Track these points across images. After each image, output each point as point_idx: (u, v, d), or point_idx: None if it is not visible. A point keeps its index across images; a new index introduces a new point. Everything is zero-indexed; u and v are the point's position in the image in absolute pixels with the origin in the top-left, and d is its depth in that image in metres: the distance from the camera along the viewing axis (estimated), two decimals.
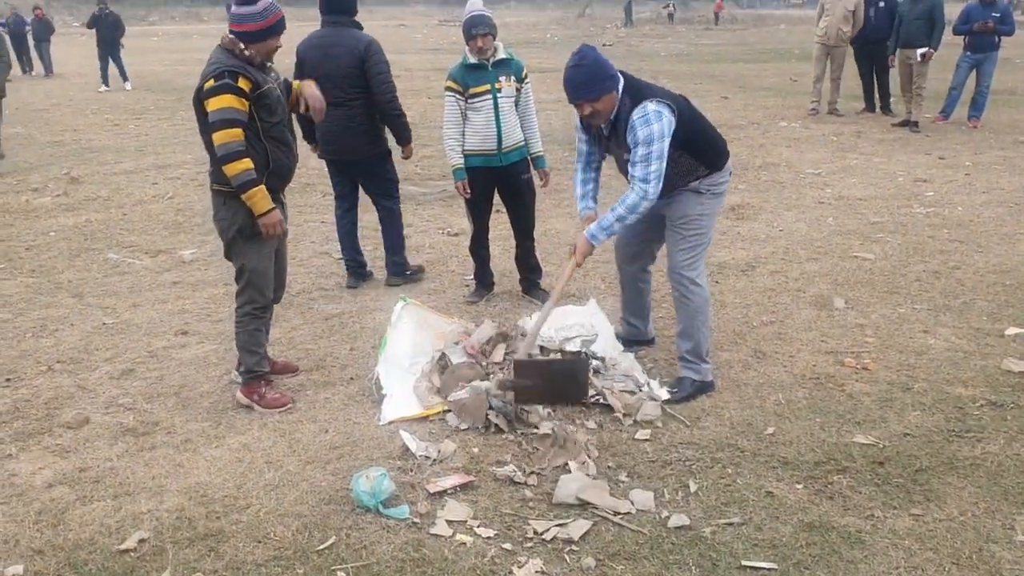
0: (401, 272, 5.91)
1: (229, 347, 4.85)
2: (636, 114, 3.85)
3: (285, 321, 5.19)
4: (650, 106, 3.83)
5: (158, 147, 11.13)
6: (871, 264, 6.10)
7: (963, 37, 11.48)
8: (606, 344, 4.48)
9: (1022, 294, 5.48)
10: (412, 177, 9.24)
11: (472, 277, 5.71)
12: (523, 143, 5.32)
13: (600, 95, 3.88)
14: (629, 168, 3.95)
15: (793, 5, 70.65)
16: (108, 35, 18.29)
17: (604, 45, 30.43)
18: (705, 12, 57.13)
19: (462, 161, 5.20)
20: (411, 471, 3.55)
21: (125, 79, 18.41)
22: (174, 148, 10.99)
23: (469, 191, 5.26)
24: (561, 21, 50.30)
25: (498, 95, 5.13)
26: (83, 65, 22.59)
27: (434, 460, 3.61)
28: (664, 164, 3.87)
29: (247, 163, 3.80)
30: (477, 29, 5.02)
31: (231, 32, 3.88)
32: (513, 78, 5.20)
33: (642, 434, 3.79)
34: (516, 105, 5.26)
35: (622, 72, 3.99)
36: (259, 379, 4.19)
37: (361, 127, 5.47)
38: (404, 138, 5.65)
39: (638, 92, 3.92)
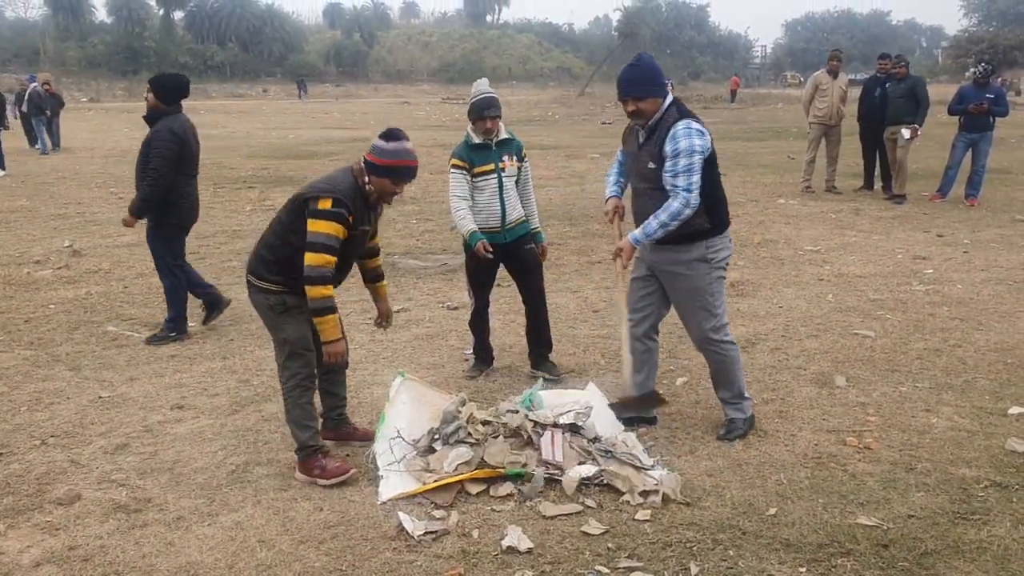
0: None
1: (225, 422, 4.82)
2: (681, 124, 4.12)
3: None
4: (695, 124, 4.14)
5: None
6: (871, 342, 6.09)
7: (958, 117, 11.73)
8: (606, 423, 4.44)
9: None
10: (413, 251, 9.31)
11: (471, 351, 5.69)
12: (524, 219, 5.39)
13: (646, 96, 4.18)
14: (670, 179, 4.12)
15: (790, 85, 72.18)
16: None
17: (603, 123, 30.95)
18: (703, 91, 58.25)
19: (475, 226, 5.19)
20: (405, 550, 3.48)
21: None
22: None
23: (490, 249, 5.17)
24: (562, 100, 51.17)
25: (502, 174, 5.22)
26: (91, 139, 22.95)
27: (432, 538, 3.54)
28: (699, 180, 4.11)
29: (330, 290, 3.92)
30: (488, 111, 5.11)
31: (364, 159, 4.00)
32: (515, 157, 5.30)
33: (642, 514, 3.72)
34: (516, 183, 5.34)
35: (675, 97, 4.31)
36: (316, 453, 4.13)
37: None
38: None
39: (687, 112, 4.24)
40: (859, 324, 6.51)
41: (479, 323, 5.56)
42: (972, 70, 12.47)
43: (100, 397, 5.22)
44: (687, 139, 4.07)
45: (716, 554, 3.44)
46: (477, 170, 5.19)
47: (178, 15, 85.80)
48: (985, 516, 3.70)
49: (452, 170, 5.24)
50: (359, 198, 3.98)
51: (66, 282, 8.07)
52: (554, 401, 4.55)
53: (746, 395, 4.57)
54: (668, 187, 4.14)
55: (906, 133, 11.67)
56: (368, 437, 4.44)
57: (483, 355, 5.62)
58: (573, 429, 4.24)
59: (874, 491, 3.93)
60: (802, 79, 62.43)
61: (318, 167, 17.12)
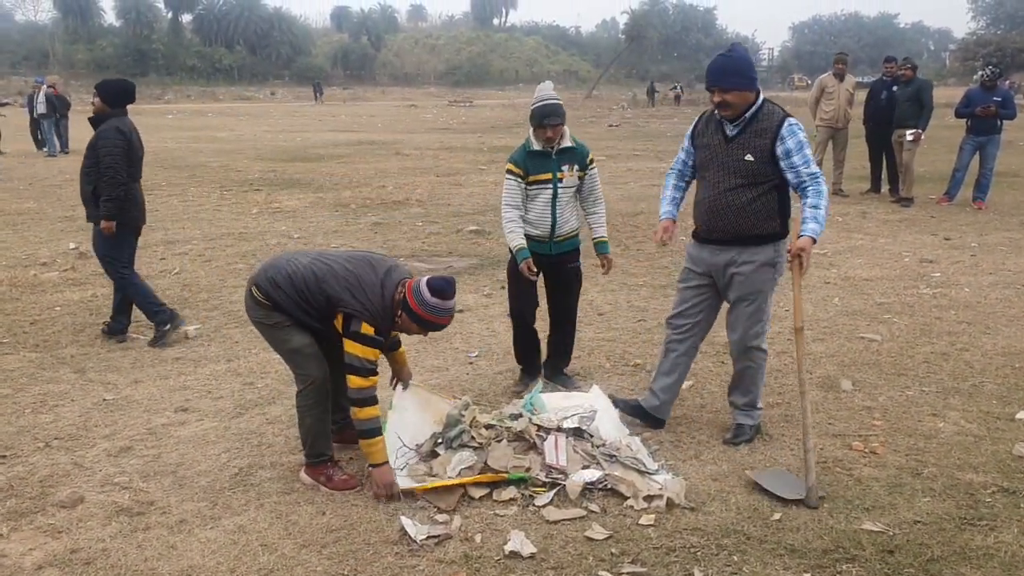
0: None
1: (228, 425, 4.81)
2: (792, 120, 4.16)
3: (287, 399, 5.14)
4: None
5: (167, 223, 11.21)
6: (878, 345, 6.05)
7: (966, 120, 11.70)
8: (610, 427, 4.42)
9: None
10: (419, 253, 9.29)
11: (477, 354, 5.66)
12: (575, 233, 5.11)
13: (734, 88, 4.11)
14: (803, 168, 4.13)
15: (797, 87, 72.04)
16: None
17: (610, 126, 30.94)
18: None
19: (524, 241, 4.95)
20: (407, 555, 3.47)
21: None
22: (183, 224, 11.08)
23: (535, 269, 4.96)
24: (569, 103, 50.98)
25: (559, 184, 4.93)
26: None
27: (434, 543, 3.53)
28: None
29: (377, 411, 3.92)
30: (550, 120, 4.82)
31: (405, 297, 3.92)
32: (576, 167, 4.99)
33: (646, 519, 3.70)
34: (578, 192, 5.07)
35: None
36: (326, 462, 4.12)
37: None
38: None
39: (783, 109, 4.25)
40: (865, 328, 6.48)
41: (528, 337, 5.30)
42: (980, 73, 12.43)
43: (104, 400, 5.21)
44: (802, 132, 4.15)
45: (720, 559, 3.42)
46: (532, 178, 4.91)
47: (186, 18, 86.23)
48: (992, 522, 3.67)
49: (507, 175, 4.98)
50: (389, 324, 3.99)
51: (72, 284, 8.08)
52: (558, 404, 4.53)
53: (759, 405, 4.57)
54: (804, 176, 4.12)
55: (909, 135, 11.66)
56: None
57: (530, 370, 5.35)
58: (577, 433, 4.22)
59: (880, 496, 3.90)
60: (809, 82, 62.31)
61: (325, 170, 17.14)
